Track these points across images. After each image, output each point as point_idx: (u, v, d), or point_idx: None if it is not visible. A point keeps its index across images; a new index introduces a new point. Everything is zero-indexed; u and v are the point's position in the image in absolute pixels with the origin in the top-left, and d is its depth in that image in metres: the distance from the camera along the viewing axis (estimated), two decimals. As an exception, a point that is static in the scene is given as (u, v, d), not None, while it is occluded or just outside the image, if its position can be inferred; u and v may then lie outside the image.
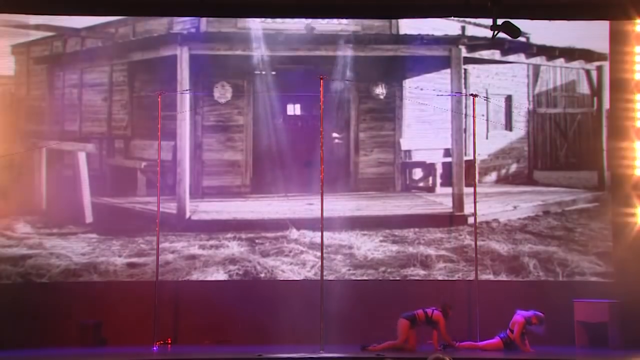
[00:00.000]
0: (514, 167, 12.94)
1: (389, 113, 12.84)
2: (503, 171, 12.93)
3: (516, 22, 10.58)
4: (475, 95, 11.77)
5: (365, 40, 12.62)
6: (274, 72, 12.51)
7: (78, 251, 12.08)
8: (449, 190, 12.56)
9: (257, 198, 12.61)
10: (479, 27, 12.48)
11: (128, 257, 12.08)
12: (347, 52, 12.44)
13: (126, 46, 12.61)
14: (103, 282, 11.91)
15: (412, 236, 12.36)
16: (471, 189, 11.71)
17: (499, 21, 10.44)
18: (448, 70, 12.56)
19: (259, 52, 12.41)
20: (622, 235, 12.02)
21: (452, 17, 12.35)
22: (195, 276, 12.01)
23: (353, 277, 12.07)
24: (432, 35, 12.61)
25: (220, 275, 12.00)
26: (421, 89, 12.39)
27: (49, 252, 12.04)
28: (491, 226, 12.41)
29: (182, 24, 12.51)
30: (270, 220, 12.34)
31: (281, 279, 12.02)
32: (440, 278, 12.08)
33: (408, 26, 12.67)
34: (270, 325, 11.45)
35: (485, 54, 12.71)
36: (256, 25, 12.41)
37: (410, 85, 12.65)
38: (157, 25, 12.51)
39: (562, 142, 12.86)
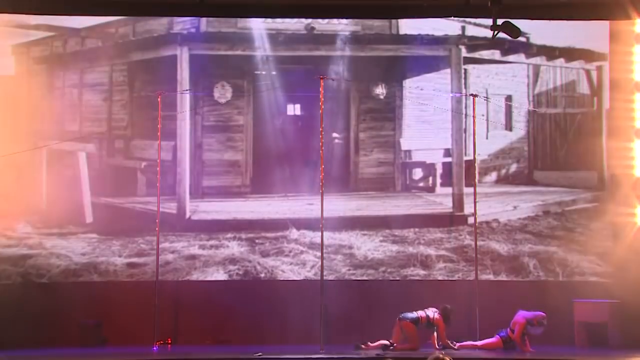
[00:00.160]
0: (514, 167, 12.94)
1: (389, 113, 12.84)
2: (503, 171, 12.93)
3: (516, 22, 10.58)
4: (475, 95, 11.76)
5: (365, 40, 12.62)
6: (274, 72, 12.51)
7: (78, 251, 12.08)
8: (449, 190, 12.56)
9: (257, 198, 12.61)
10: (479, 27, 12.48)
11: (128, 257, 12.07)
12: (346, 52, 12.44)
13: (126, 46, 12.60)
14: (103, 282, 11.91)
15: (412, 236, 12.36)
16: (471, 189, 11.70)
17: (499, 21, 10.44)
18: (448, 70, 12.56)
19: (259, 52, 12.41)
20: (622, 235, 12.02)
21: (452, 17, 12.35)
22: (195, 276, 12.02)
23: (353, 277, 12.07)
24: (432, 35, 12.60)
25: (220, 275, 12.00)
26: (421, 89, 12.40)
27: (49, 252, 12.04)
28: (491, 226, 12.41)
29: (182, 24, 12.51)
30: (270, 220, 12.34)
31: (281, 279, 12.02)
32: (440, 278, 12.08)
33: (408, 26, 12.67)
34: (270, 325, 11.47)
35: (485, 54, 12.71)
36: (256, 25, 12.41)
37: (410, 85, 12.66)
38: (157, 25, 12.51)
39: (562, 142, 12.86)
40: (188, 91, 12.16)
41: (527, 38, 12.55)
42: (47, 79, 12.56)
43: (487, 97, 12.66)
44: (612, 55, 12.38)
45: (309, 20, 12.47)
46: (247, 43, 12.41)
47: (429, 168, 12.88)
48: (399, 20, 12.62)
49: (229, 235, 12.25)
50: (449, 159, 12.66)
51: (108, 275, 11.98)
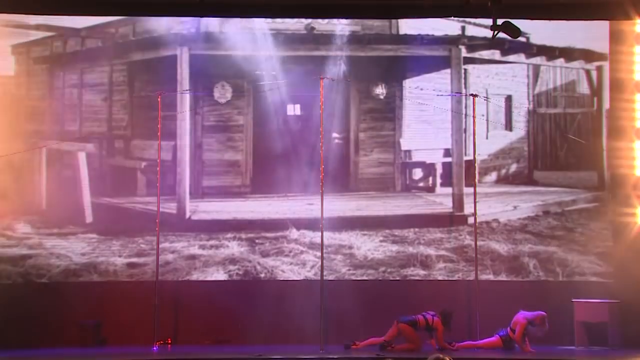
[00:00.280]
0: (514, 167, 12.94)
1: (389, 113, 12.84)
2: (503, 171, 12.93)
3: (516, 22, 10.58)
4: (475, 95, 11.76)
5: (365, 40, 12.62)
6: (274, 72, 12.51)
7: (78, 251, 12.08)
8: (449, 190, 12.56)
9: (257, 198, 12.61)
10: (479, 27, 12.47)
11: (128, 257, 12.07)
12: (347, 52, 12.44)
13: (126, 46, 12.60)
14: (103, 282, 11.90)
15: (412, 236, 12.36)
16: (471, 189, 11.70)
17: (499, 21, 10.44)
18: (448, 70, 12.56)
19: (259, 52, 12.40)
20: (622, 235, 12.02)
21: (452, 17, 12.35)
22: (195, 276, 12.01)
23: (353, 277, 12.07)
24: (432, 35, 12.60)
25: (220, 275, 12.00)
26: (421, 89, 12.39)
27: (49, 252, 12.04)
28: (491, 226, 12.41)
29: (182, 24, 12.51)
30: (270, 220, 12.34)
31: (281, 279, 12.02)
32: (440, 278, 12.08)
33: (408, 26, 12.67)
34: (270, 325, 11.45)
35: (485, 54, 12.71)
36: (256, 26, 12.41)
37: (410, 85, 12.66)
38: (157, 25, 12.51)
39: (562, 142, 12.86)
40: (188, 91, 12.16)
41: (527, 38, 12.54)
42: (47, 79, 12.55)
43: (487, 97, 12.66)
44: (612, 55, 12.37)
45: (309, 20, 12.47)
46: (247, 43, 12.40)
47: (429, 168, 12.88)
48: (399, 20, 12.62)
49: (229, 235, 12.24)
50: (449, 159, 12.66)
51: (108, 275, 11.98)
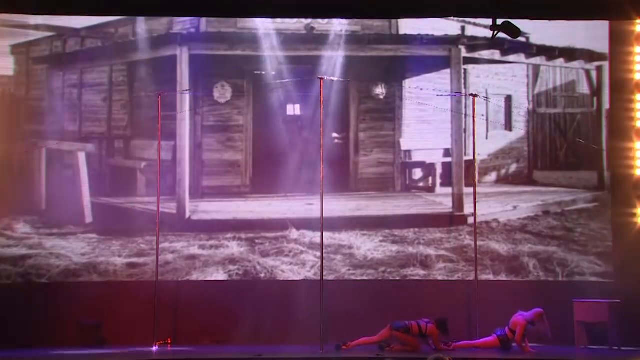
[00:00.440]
0: (513, 167, 12.95)
1: (389, 113, 12.84)
2: (503, 171, 12.94)
3: (516, 22, 10.58)
4: (475, 95, 11.75)
5: (365, 40, 12.62)
6: (273, 72, 12.52)
7: (78, 251, 12.08)
8: (448, 190, 12.56)
9: (257, 198, 12.61)
10: (479, 27, 12.48)
11: (128, 257, 12.07)
12: (346, 52, 12.44)
13: (126, 46, 12.60)
14: (103, 282, 11.90)
15: (412, 236, 12.36)
16: (471, 189, 11.70)
17: (499, 21, 10.44)
18: (448, 70, 12.56)
19: (259, 52, 12.40)
20: (622, 235, 12.02)
21: (452, 17, 12.35)
22: (195, 276, 12.01)
23: (353, 277, 12.07)
24: (432, 35, 12.61)
25: (220, 275, 12.00)
26: (421, 89, 12.39)
27: (48, 252, 12.04)
28: (491, 226, 12.41)
29: (182, 24, 12.52)
30: (270, 220, 12.34)
31: (281, 279, 12.02)
32: (440, 278, 12.08)
33: (408, 26, 12.68)
34: (270, 325, 11.45)
35: (485, 54, 12.71)
36: (256, 25, 12.41)
37: (410, 85, 12.66)
38: (157, 25, 12.52)
39: (562, 142, 12.86)
40: (188, 91, 12.16)
41: (527, 38, 12.55)
42: (47, 79, 12.55)
43: (487, 97, 12.66)
44: (612, 55, 12.37)
45: (309, 20, 12.47)
46: (247, 43, 12.41)
47: (428, 168, 12.88)
48: (399, 20, 12.63)
49: (229, 235, 12.25)
50: (448, 159, 12.66)
51: (108, 275, 11.98)
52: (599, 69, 12.60)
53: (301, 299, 11.36)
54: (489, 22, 10.58)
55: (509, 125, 12.98)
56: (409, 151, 12.88)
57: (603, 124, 12.54)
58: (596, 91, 12.69)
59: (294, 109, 12.76)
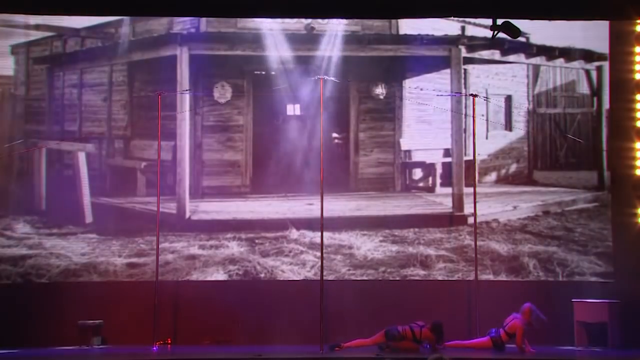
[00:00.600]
0: (513, 167, 12.94)
1: (388, 113, 12.84)
2: (503, 171, 12.93)
3: (516, 22, 10.58)
4: (475, 95, 11.74)
5: (365, 40, 12.62)
6: (273, 72, 12.52)
7: (78, 251, 12.08)
8: (448, 190, 12.56)
9: (257, 198, 12.61)
10: (479, 27, 12.48)
11: (128, 257, 12.07)
12: (346, 52, 12.43)
13: (126, 46, 12.60)
14: (103, 282, 11.90)
15: (412, 236, 12.36)
16: (471, 189, 11.70)
17: (499, 21, 10.44)
18: (448, 70, 12.56)
19: (259, 52, 12.40)
20: (622, 235, 12.02)
21: (452, 17, 12.35)
22: (195, 276, 12.01)
23: (353, 277, 12.06)
24: (432, 35, 12.61)
25: (220, 275, 12.00)
26: (421, 89, 12.39)
27: (48, 252, 12.04)
28: (491, 226, 12.41)
29: (182, 24, 12.52)
30: (270, 220, 12.34)
31: (281, 279, 12.02)
32: (440, 278, 12.08)
33: (408, 26, 12.67)
34: (270, 325, 11.45)
35: (485, 54, 12.71)
36: (256, 25, 12.41)
37: (410, 85, 12.66)
38: (157, 25, 12.52)
39: (562, 142, 12.86)
40: (188, 91, 12.15)
41: (527, 38, 12.55)
42: (47, 79, 12.56)
43: (487, 97, 12.66)
44: (612, 56, 12.36)
45: (309, 20, 12.47)
46: (246, 43, 12.41)
47: (428, 168, 12.88)
48: (399, 20, 12.63)
49: (229, 235, 12.24)
50: (448, 159, 12.66)
51: (108, 275, 11.98)
52: (599, 69, 12.60)
53: (301, 299, 11.36)
54: (489, 22, 10.58)
55: (509, 125, 12.98)
56: (409, 151, 12.88)
57: (603, 124, 12.53)
58: (596, 91, 12.68)
59: (294, 109, 12.75)
